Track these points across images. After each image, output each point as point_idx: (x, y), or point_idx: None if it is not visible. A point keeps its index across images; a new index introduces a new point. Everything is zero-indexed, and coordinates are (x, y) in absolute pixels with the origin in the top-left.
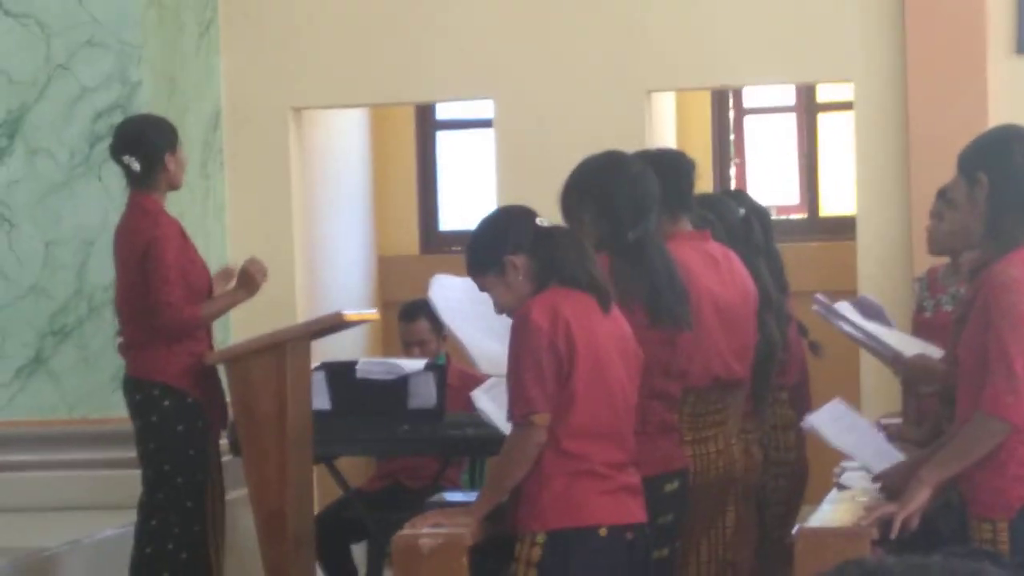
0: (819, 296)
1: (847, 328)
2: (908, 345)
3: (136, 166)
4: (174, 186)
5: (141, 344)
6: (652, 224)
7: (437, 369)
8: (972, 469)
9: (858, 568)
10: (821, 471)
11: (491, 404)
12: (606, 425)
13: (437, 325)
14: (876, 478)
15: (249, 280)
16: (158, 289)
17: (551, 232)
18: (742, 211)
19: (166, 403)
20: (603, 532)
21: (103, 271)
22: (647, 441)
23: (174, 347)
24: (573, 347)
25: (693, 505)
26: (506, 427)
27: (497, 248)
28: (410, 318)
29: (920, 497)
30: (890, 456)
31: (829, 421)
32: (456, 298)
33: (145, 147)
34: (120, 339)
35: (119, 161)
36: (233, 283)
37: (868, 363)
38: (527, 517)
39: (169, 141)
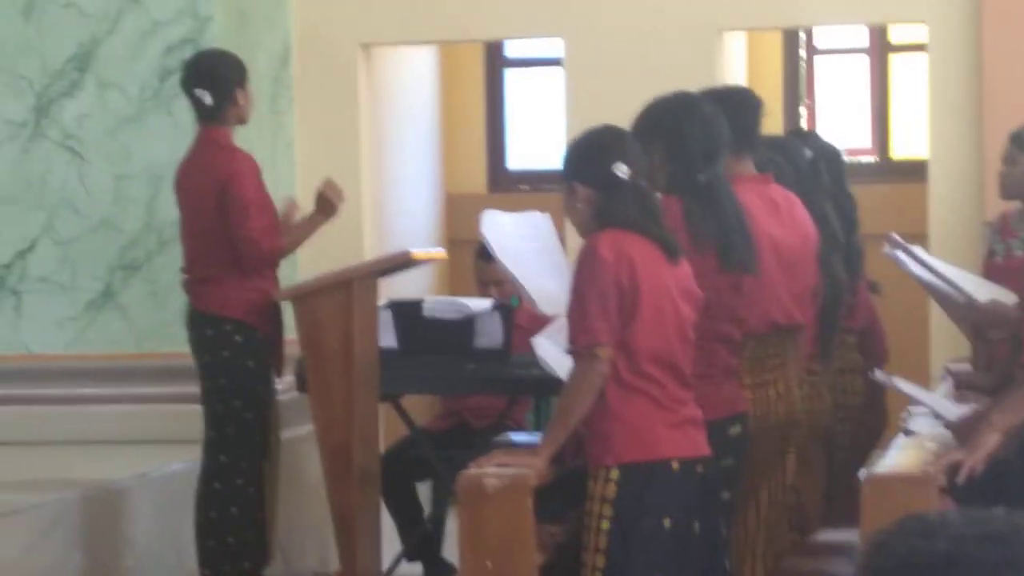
0: (893, 235)
1: (917, 271)
2: (982, 289)
3: (208, 99)
4: (242, 121)
5: (211, 279)
6: (722, 167)
7: (504, 309)
8: None
9: (919, 523)
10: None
11: (552, 349)
12: (668, 359)
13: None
14: (948, 426)
15: (327, 203)
16: (239, 224)
17: (620, 183)
18: (809, 153)
19: (238, 339)
20: (675, 465)
21: (173, 206)
22: (712, 384)
23: (245, 283)
24: (637, 283)
25: (752, 449)
26: (566, 374)
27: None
28: (488, 257)
29: (989, 443)
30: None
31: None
32: (509, 234)
33: (217, 81)
34: (185, 275)
35: (190, 94)
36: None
37: (937, 307)
38: (600, 453)
39: (239, 75)
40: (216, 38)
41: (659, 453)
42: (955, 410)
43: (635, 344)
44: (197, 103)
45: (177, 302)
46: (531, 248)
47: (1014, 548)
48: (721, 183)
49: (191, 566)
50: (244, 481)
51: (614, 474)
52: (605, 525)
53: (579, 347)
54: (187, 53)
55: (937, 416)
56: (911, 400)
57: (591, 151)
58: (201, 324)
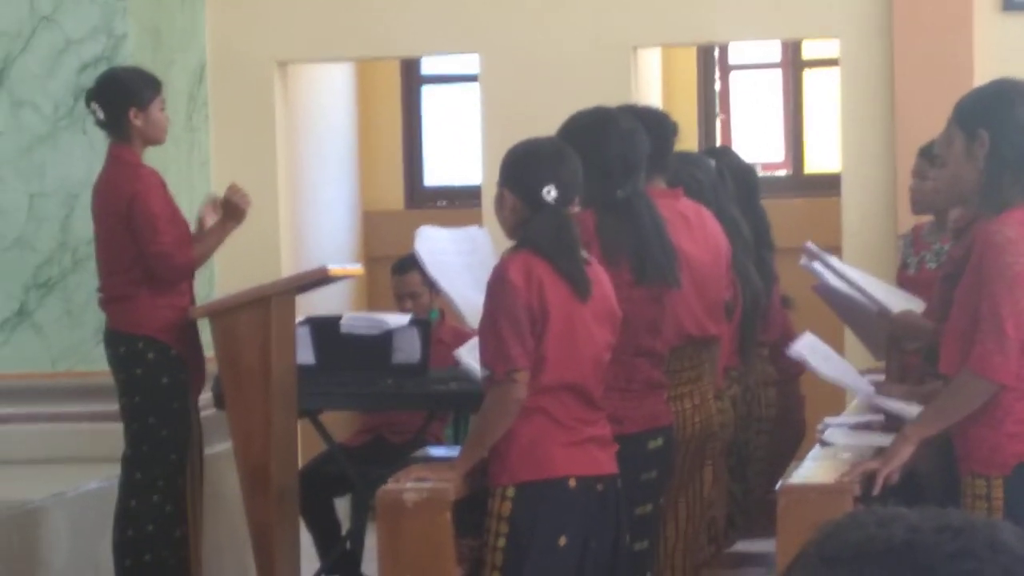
0: (810, 245)
1: (834, 281)
2: (894, 298)
3: (100, 115)
4: (150, 140)
5: (124, 297)
6: (641, 181)
7: (421, 324)
8: (967, 425)
9: (871, 514)
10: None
11: (475, 362)
12: (573, 383)
13: (430, 279)
14: (879, 393)
15: (234, 209)
16: (149, 240)
17: (545, 206)
18: (713, 162)
19: (150, 356)
20: (572, 483)
21: (87, 224)
22: (633, 399)
23: (157, 300)
24: (546, 307)
25: (671, 461)
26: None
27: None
28: (402, 271)
29: (903, 453)
30: (865, 383)
31: (810, 350)
32: (442, 250)
33: (109, 97)
34: (100, 293)
35: (88, 108)
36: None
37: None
38: (497, 471)
39: (137, 95)
40: (131, 56)
41: (554, 471)
42: (867, 386)
43: (538, 374)
44: (95, 118)
45: (92, 320)
46: (466, 263)
47: (970, 539)
48: (640, 197)
49: None
50: (161, 498)
51: (510, 492)
52: (501, 543)
53: (498, 374)
54: (102, 71)
55: (854, 384)
56: (823, 379)
57: (527, 164)
58: (115, 342)
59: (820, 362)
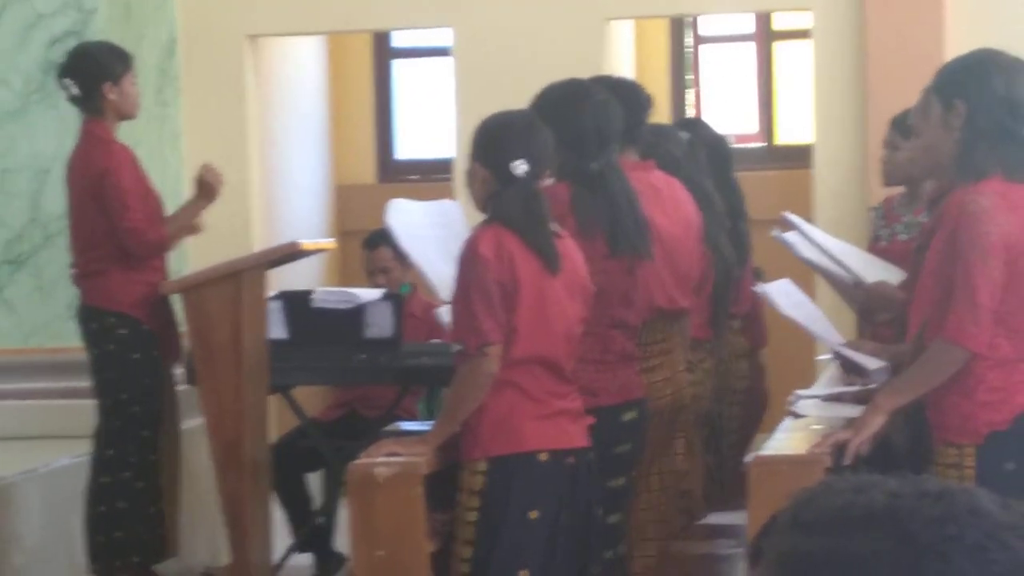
0: (787, 215)
1: (808, 252)
2: (872, 267)
3: (75, 90)
4: (123, 115)
5: (96, 273)
6: (615, 153)
7: (394, 298)
8: (940, 394)
9: (848, 481)
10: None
11: None
12: (544, 357)
13: (400, 252)
14: (846, 345)
15: (207, 188)
16: (120, 216)
17: (515, 179)
18: (686, 135)
19: (122, 332)
20: (543, 457)
21: (58, 200)
22: (607, 370)
23: (130, 276)
24: (516, 281)
25: (644, 434)
26: None
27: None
28: (373, 246)
29: (875, 423)
30: (834, 334)
31: (781, 294)
32: (415, 223)
33: (84, 71)
34: (73, 269)
35: (61, 84)
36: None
37: (823, 291)
38: (469, 446)
39: (113, 69)
40: (100, 30)
41: (526, 445)
42: (835, 336)
43: (510, 348)
44: (68, 94)
45: (64, 296)
46: (438, 236)
47: (950, 504)
48: (613, 170)
49: (81, 562)
50: (132, 475)
51: (482, 466)
52: (473, 517)
53: (470, 348)
54: (72, 45)
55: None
56: (792, 323)
57: (498, 138)
58: (87, 318)
59: (789, 306)
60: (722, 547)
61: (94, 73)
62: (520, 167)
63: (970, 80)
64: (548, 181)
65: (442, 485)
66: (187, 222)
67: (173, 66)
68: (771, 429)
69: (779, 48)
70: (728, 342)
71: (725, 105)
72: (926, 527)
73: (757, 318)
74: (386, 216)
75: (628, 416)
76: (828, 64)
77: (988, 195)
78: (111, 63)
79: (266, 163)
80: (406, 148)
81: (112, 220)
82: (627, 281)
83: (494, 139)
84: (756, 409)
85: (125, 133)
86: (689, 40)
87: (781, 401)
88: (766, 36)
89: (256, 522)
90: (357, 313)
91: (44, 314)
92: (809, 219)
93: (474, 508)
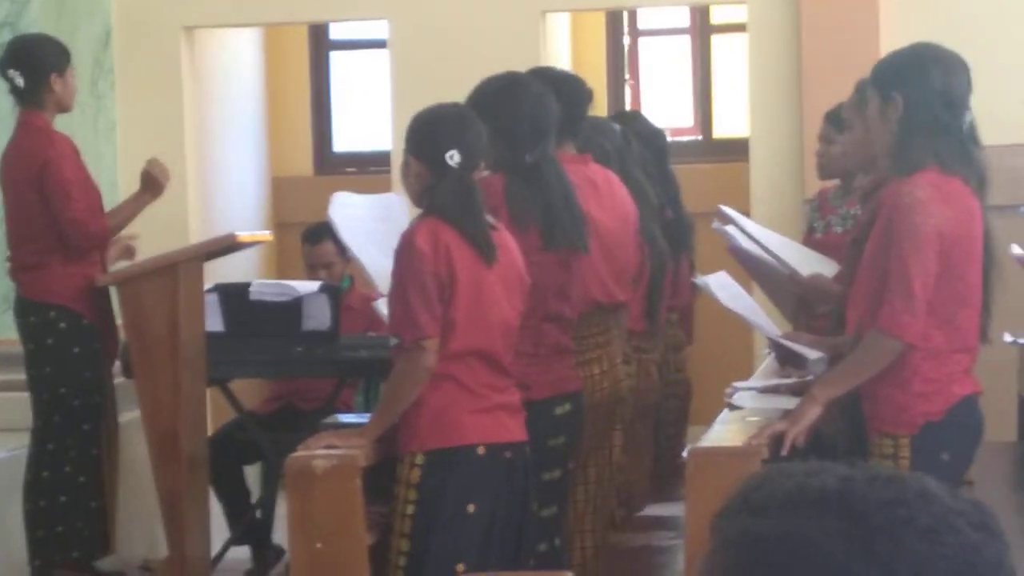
0: (723, 208)
1: (745, 244)
2: (807, 260)
3: (20, 82)
4: (63, 108)
5: (34, 266)
6: (550, 146)
7: (331, 291)
8: (876, 385)
9: (798, 465)
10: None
11: None
12: (482, 349)
13: (343, 247)
14: (785, 336)
15: (152, 182)
16: (62, 207)
17: (449, 171)
18: (618, 127)
19: (62, 325)
20: (481, 451)
21: None
22: (540, 363)
23: (69, 268)
24: (453, 274)
25: (579, 427)
26: None
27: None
28: (315, 240)
29: (811, 414)
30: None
31: (720, 286)
32: (356, 216)
33: (31, 63)
34: (9, 262)
35: (4, 76)
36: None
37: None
38: (407, 439)
39: (57, 61)
40: (35, 21)
41: (463, 439)
42: (772, 326)
43: (446, 341)
44: (11, 85)
45: (0, 289)
46: (379, 229)
47: (902, 488)
48: (549, 162)
49: (20, 556)
50: (72, 469)
51: (419, 460)
52: (410, 510)
53: (406, 342)
54: (5, 37)
55: (759, 322)
56: (730, 312)
57: (430, 130)
58: (26, 311)
59: (727, 297)
60: (660, 539)
61: (41, 65)
62: (454, 158)
63: (908, 73)
64: (483, 173)
65: (380, 478)
66: (131, 216)
67: (108, 57)
68: (707, 421)
69: (716, 42)
70: (667, 335)
71: (662, 98)
72: (878, 509)
73: (693, 310)
74: (329, 208)
75: (561, 409)
76: (763, 58)
77: (923, 187)
78: (56, 55)
79: (202, 155)
80: (343, 140)
81: (54, 211)
82: (562, 274)
83: (427, 132)
84: (687, 401)
85: (60, 125)
86: (626, 33)
87: (720, 393)
88: (703, 29)
89: (194, 515)
90: (294, 306)
91: None
92: (746, 212)
93: (412, 501)
